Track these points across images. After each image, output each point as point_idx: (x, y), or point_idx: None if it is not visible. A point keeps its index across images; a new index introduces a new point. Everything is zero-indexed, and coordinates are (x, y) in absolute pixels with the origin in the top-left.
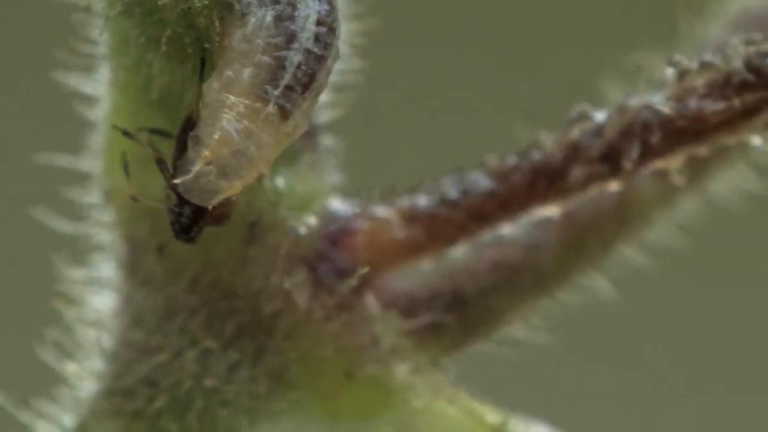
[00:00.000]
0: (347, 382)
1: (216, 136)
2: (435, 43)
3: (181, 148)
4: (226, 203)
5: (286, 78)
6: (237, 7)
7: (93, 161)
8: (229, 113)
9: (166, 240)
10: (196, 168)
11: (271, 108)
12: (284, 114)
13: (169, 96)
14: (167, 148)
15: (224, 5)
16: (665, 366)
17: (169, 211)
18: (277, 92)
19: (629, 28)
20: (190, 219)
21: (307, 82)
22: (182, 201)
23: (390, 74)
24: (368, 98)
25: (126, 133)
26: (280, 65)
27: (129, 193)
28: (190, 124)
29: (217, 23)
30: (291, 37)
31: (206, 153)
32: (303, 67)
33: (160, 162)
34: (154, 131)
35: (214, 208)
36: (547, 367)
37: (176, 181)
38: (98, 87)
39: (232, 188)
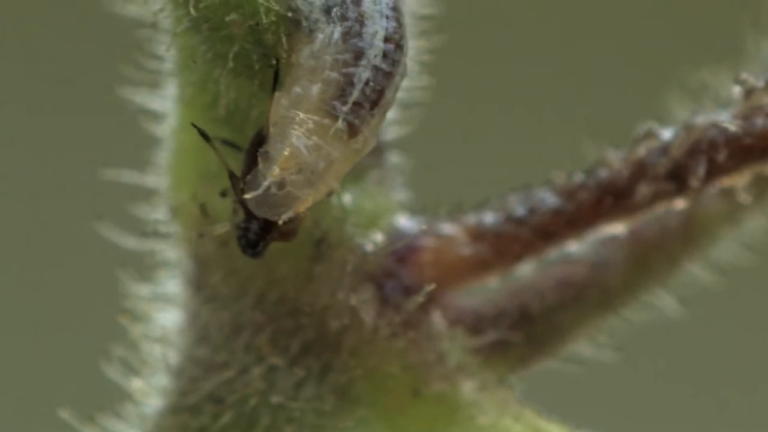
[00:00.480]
0: (413, 399)
1: (286, 153)
2: (503, 59)
3: (251, 163)
4: (294, 219)
5: (355, 94)
6: (305, 23)
7: (159, 177)
8: (299, 129)
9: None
10: (267, 183)
11: (340, 124)
12: (353, 130)
13: (236, 112)
14: (235, 165)
15: (292, 22)
16: (728, 384)
17: (236, 226)
18: (345, 108)
19: (696, 46)
20: (258, 234)
21: (376, 98)
22: (250, 216)
23: (457, 91)
24: (436, 115)
25: (203, 135)
26: (349, 81)
27: (195, 231)
28: (259, 140)
29: (284, 40)
30: (359, 54)
31: (276, 169)
32: (371, 84)
33: (231, 176)
34: (225, 142)
35: (283, 224)
36: (613, 385)
37: (246, 196)
38: (165, 103)
39: (302, 204)
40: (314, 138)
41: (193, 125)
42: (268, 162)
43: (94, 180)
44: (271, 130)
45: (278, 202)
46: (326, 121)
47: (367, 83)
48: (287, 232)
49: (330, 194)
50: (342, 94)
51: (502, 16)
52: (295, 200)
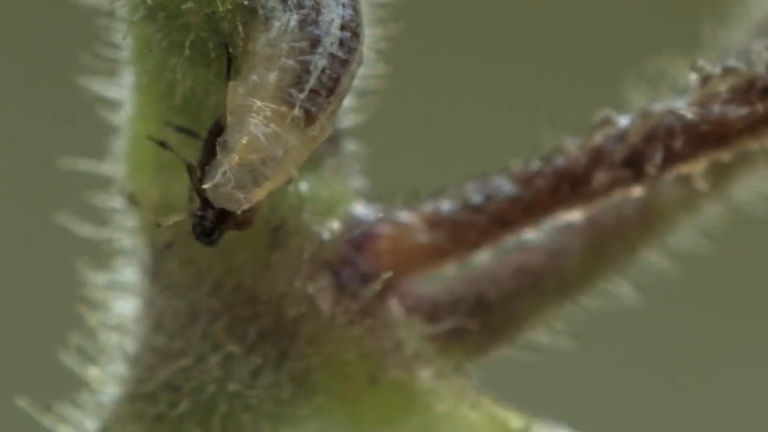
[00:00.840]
0: (370, 387)
1: (244, 141)
2: (458, 48)
3: (209, 153)
4: (250, 208)
5: (311, 82)
6: (261, 11)
7: (116, 165)
8: (256, 117)
9: (173, 239)
10: (224, 172)
11: (297, 111)
12: (310, 117)
13: (192, 100)
14: (192, 152)
15: (248, 10)
16: (686, 370)
17: (191, 214)
18: (302, 96)
19: (652, 34)
20: (213, 222)
21: (332, 86)
22: (206, 204)
23: (413, 79)
24: (391, 103)
25: (161, 144)
26: (305, 69)
27: (152, 219)
28: (217, 129)
29: (240, 28)
30: (315, 42)
31: (234, 158)
32: (328, 72)
33: (189, 166)
34: (180, 129)
35: (240, 214)
36: (570, 372)
37: (204, 186)
38: (121, 91)
39: (261, 192)
40: (272, 125)
41: (149, 137)
42: (226, 151)
43: (51, 168)
44: (229, 118)
45: (236, 193)
46: (283, 108)
47: (323, 71)
48: (243, 221)
49: (289, 182)
50: (298, 82)
51: (459, 3)
52: (254, 189)
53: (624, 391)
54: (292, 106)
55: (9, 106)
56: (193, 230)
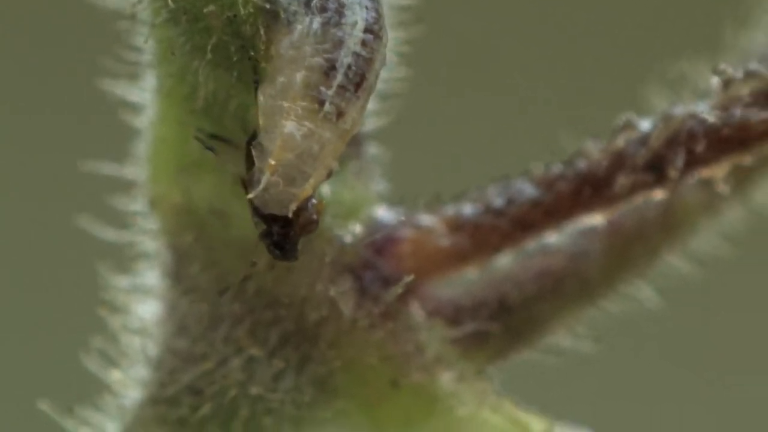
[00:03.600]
0: (392, 391)
1: (279, 143)
2: (480, 51)
3: (251, 162)
4: (308, 208)
5: (338, 78)
6: (283, 15)
7: (138, 169)
8: (288, 117)
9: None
10: (265, 178)
11: (328, 107)
12: (340, 112)
13: (215, 104)
14: (231, 161)
15: (270, 13)
16: (707, 374)
17: (261, 237)
18: (331, 92)
19: (674, 37)
20: (280, 235)
21: (359, 81)
22: (266, 221)
23: (435, 82)
24: (413, 106)
25: (208, 148)
26: (331, 66)
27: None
28: (254, 138)
29: (262, 31)
30: (338, 43)
31: (272, 161)
32: (353, 68)
33: (242, 183)
34: (213, 137)
35: (300, 216)
36: (592, 376)
37: (249, 196)
38: (143, 94)
39: (305, 190)
40: (305, 123)
41: (198, 133)
42: (264, 155)
43: (73, 172)
44: (261, 122)
45: (281, 195)
46: (314, 105)
47: (349, 67)
48: (307, 223)
49: (330, 175)
50: (326, 79)
51: (481, 7)
52: (297, 188)
53: (645, 395)
54: (322, 102)
55: (32, 110)
56: (271, 253)
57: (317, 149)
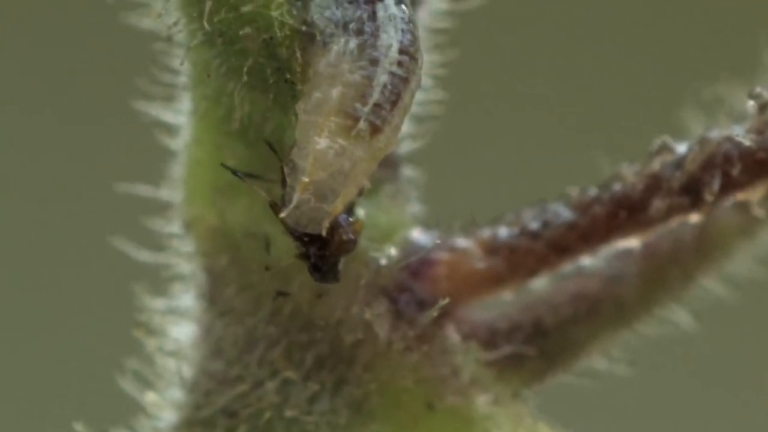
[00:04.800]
0: (427, 413)
1: (311, 160)
2: (516, 74)
3: (285, 182)
4: (345, 227)
5: (375, 96)
6: (319, 37)
7: (173, 191)
8: (321, 134)
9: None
10: (297, 197)
11: (362, 124)
12: (375, 130)
13: (250, 126)
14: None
15: (306, 35)
16: (743, 396)
17: (299, 258)
18: (366, 109)
19: (710, 61)
20: (317, 256)
21: (395, 99)
22: (304, 243)
23: (471, 105)
24: (449, 129)
25: (247, 175)
26: (368, 84)
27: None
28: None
29: (299, 53)
30: (375, 62)
31: (305, 179)
32: (389, 87)
33: (272, 206)
34: (249, 175)
35: (336, 236)
36: (627, 399)
37: (282, 215)
38: (179, 116)
39: (336, 207)
40: (338, 140)
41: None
42: (295, 173)
43: (109, 193)
44: (297, 138)
45: (312, 213)
46: (348, 122)
47: (385, 86)
48: (344, 243)
49: (361, 193)
50: (362, 95)
51: (516, 30)
52: (328, 205)
53: (680, 417)
54: (356, 119)
55: (68, 132)
56: (311, 275)
57: (348, 167)
